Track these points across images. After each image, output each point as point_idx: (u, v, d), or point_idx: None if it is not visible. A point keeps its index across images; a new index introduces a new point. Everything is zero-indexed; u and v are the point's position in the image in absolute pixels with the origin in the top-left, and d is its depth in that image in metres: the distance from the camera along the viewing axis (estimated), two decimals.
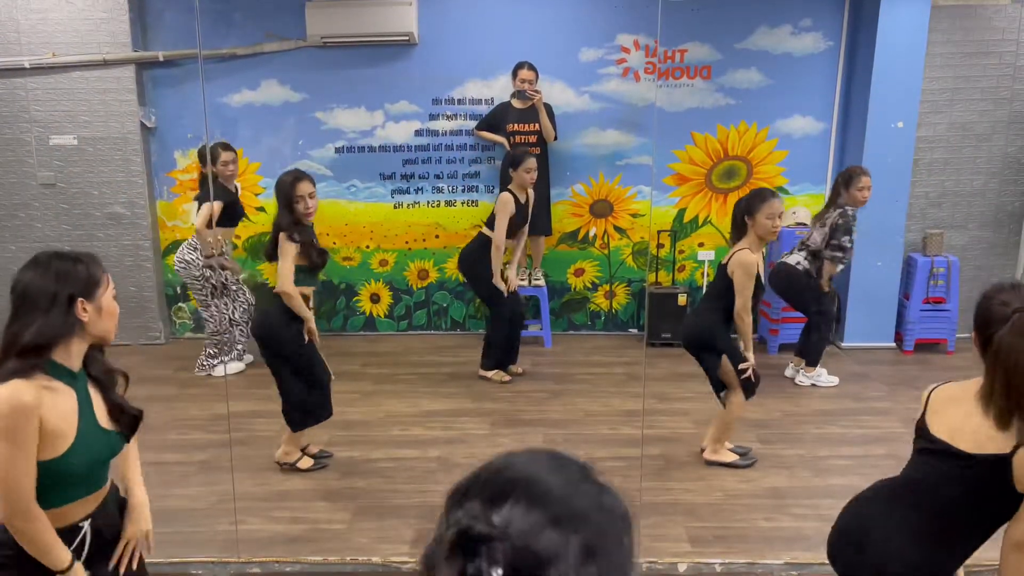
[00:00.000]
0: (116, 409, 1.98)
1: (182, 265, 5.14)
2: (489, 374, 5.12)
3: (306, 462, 3.91)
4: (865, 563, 2.04)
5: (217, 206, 4.90)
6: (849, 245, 4.89)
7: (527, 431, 4.35)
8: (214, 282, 5.15)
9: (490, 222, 4.96)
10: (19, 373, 1.78)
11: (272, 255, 3.68)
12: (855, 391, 4.95)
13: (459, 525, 0.81)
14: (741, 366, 3.73)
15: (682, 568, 3.05)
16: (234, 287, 5.28)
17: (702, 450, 4.00)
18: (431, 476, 3.85)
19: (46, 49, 5.58)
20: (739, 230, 3.75)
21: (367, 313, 6.21)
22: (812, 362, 5.06)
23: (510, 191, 4.94)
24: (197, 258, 5.09)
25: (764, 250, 3.90)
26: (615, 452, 4.06)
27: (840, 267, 4.97)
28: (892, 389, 4.94)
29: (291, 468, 3.88)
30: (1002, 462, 1.84)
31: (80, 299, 1.85)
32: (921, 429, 2.06)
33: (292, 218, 3.62)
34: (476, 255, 4.98)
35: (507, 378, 5.10)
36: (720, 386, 3.83)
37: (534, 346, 5.77)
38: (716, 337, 3.75)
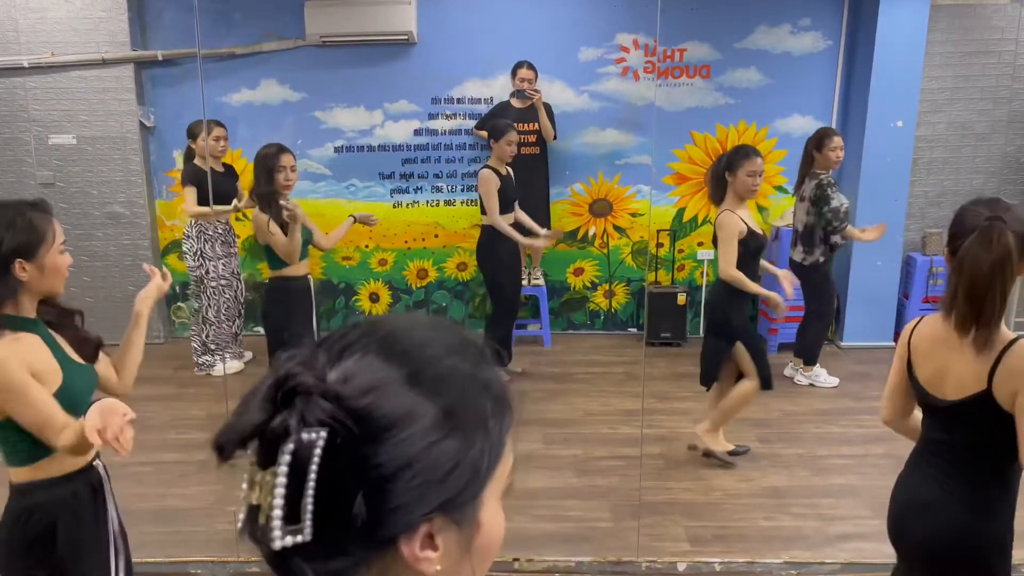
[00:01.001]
0: (79, 342, 2.00)
1: (184, 258, 5.22)
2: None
3: None
4: (928, 526, 2.00)
5: (191, 191, 5.00)
6: (840, 204, 4.72)
7: (526, 430, 4.35)
8: (197, 274, 5.17)
9: (483, 209, 4.85)
10: None
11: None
12: (854, 390, 4.95)
13: (278, 373, 0.65)
14: (774, 302, 3.65)
15: (681, 567, 3.05)
16: (213, 283, 5.20)
17: (691, 446, 4.00)
18: None
19: (45, 48, 5.57)
20: (719, 188, 3.68)
21: (367, 312, 6.21)
22: (810, 360, 5.04)
23: (489, 167, 4.77)
24: (189, 248, 5.13)
25: (760, 219, 3.74)
26: (614, 451, 4.06)
27: (839, 237, 4.79)
28: None
29: None
30: (984, 398, 1.84)
31: (18, 260, 1.83)
32: (912, 379, 2.04)
33: (271, 188, 3.68)
34: (486, 247, 4.90)
35: (507, 377, 5.05)
36: (713, 374, 3.80)
37: (533, 345, 5.77)
38: (730, 320, 3.67)
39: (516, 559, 3.09)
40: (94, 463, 2.00)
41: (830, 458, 4.00)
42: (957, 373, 1.91)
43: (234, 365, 5.28)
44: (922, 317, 2.08)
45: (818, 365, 5.08)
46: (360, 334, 0.69)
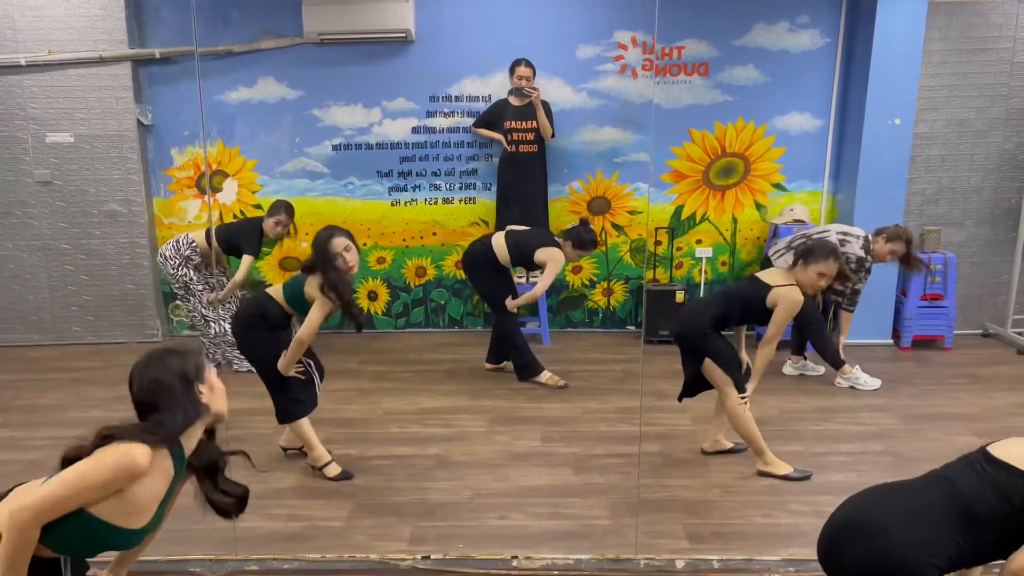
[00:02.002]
0: (216, 491, 2.14)
1: (161, 260, 5.23)
2: (542, 378, 4.98)
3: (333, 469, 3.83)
4: (870, 545, 2.03)
5: (248, 262, 5.12)
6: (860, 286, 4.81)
7: (525, 428, 4.35)
8: (184, 280, 5.20)
9: (516, 244, 4.84)
10: (152, 441, 1.88)
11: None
12: (853, 387, 4.95)
13: None
14: (739, 397, 3.67)
15: (680, 565, 3.06)
16: (200, 287, 5.22)
17: (703, 451, 4.00)
18: (429, 474, 3.85)
19: (42, 46, 5.56)
20: (795, 263, 3.68)
21: (365, 310, 6.21)
22: (837, 363, 4.89)
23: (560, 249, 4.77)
24: (173, 255, 5.16)
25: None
26: (613, 449, 4.06)
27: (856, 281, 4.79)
28: (889, 386, 4.94)
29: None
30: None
31: (196, 383, 2.03)
32: (981, 450, 2.09)
33: (337, 275, 3.54)
34: (486, 266, 4.92)
35: (562, 382, 4.95)
36: (696, 387, 3.81)
37: (532, 343, 5.75)
38: (705, 339, 3.68)
39: (515, 557, 3.09)
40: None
41: (828, 455, 4.00)
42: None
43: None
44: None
45: (858, 367, 4.92)
46: None
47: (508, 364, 5.21)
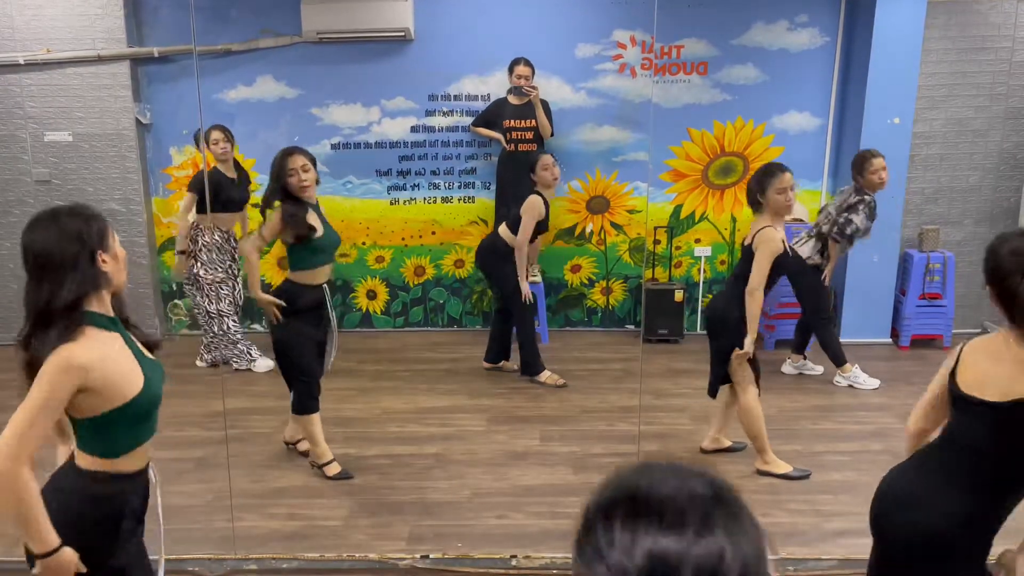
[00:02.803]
0: (141, 340, 2.05)
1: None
2: (542, 377, 5.00)
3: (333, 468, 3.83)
4: (908, 521, 2.05)
5: (189, 197, 5.05)
6: (852, 227, 4.73)
7: (524, 427, 4.35)
8: (191, 275, 5.17)
9: (515, 225, 4.84)
10: (65, 336, 1.80)
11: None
12: (851, 386, 4.95)
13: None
14: (738, 352, 3.60)
15: None
16: (209, 279, 5.16)
17: (702, 449, 4.00)
18: (428, 473, 3.85)
19: (40, 45, 5.55)
20: (756, 207, 3.68)
21: (363, 310, 6.21)
22: (839, 361, 4.92)
23: (538, 193, 4.83)
24: (196, 268, 5.14)
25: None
26: (611, 448, 4.06)
27: (841, 247, 4.84)
28: (888, 385, 4.94)
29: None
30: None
31: (100, 251, 1.89)
32: (952, 384, 2.08)
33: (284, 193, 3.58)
34: (496, 254, 4.92)
35: (561, 381, 4.97)
36: (723, 377, 3.73)
37: None
38: (742, 324, 3.60)
39: (513, 556, 3.09)
40: (148, 467, 2.06)
41: (827, 454, 4.01)
42: (1003, 378, 1.96)
43: (264, 363, 5.24)
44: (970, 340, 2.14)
45: (857, 367, 4.94)
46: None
47: (507, 364, 5.21)
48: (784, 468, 3.76)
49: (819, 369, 5.14)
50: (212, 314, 5.22)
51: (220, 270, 5.18)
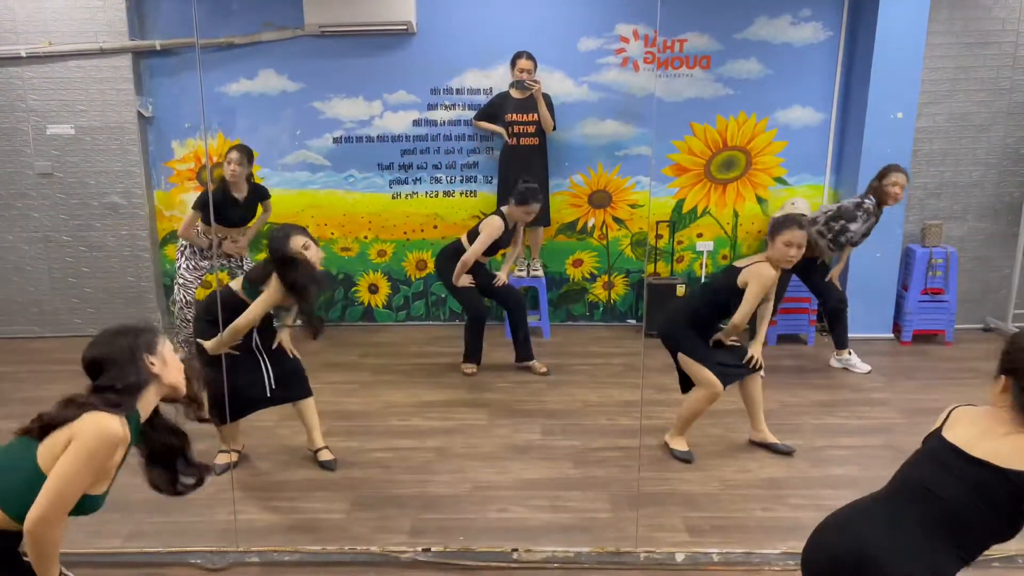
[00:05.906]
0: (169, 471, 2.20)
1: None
2: (467, 369, 5.15)
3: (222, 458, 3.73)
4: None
5: (191, 215, 4.98)
6: (848, 235, 4.89)
7: (525, 421, 4.36)
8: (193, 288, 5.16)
9: (472, 235, 4.97)
10: (118, 408, 1.98)
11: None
12: (853, 382, 4.95)
13: None
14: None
15: (679, 558, 3.06)
16: (180, 281, 5.12)
17: (751, 441, 4.05)
18: (429, 467, 3.86)
19: (42, 38, 5.55)
20: (767, 244, 3.81)
21: (365, 303, 6.21)
22: (841, 344, 5.15)
23: (502, 216, 4.94)
24: (181, 262, 5.12)
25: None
26: (613, 442, 4.07)
27: (824, 249, 4.97)
28: (890, 380, 4.94)
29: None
30: (1011, 476, 1.86)
31: (145, 354, 2.08)
32: (934, 436, 2.05)
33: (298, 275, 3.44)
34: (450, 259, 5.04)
35: (469, 371, 5.10)
36: (687, 378, 3.90)
37: (532, 337, 5.75)
38: (677, 335, 3.83)
39: (515, 549, 3.10)
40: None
41: (828, 449, 4.01)
42: (1002, 443, 1.92)
43: None
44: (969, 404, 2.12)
45: (852, 351, 5.16)
46: None
47: (536, 364, 5.17)
48: (681, 446, 3.92)
49: (865, 367, 5.12)
50: (185, 308, 5.16)
51: (198, 271, 5.16)
